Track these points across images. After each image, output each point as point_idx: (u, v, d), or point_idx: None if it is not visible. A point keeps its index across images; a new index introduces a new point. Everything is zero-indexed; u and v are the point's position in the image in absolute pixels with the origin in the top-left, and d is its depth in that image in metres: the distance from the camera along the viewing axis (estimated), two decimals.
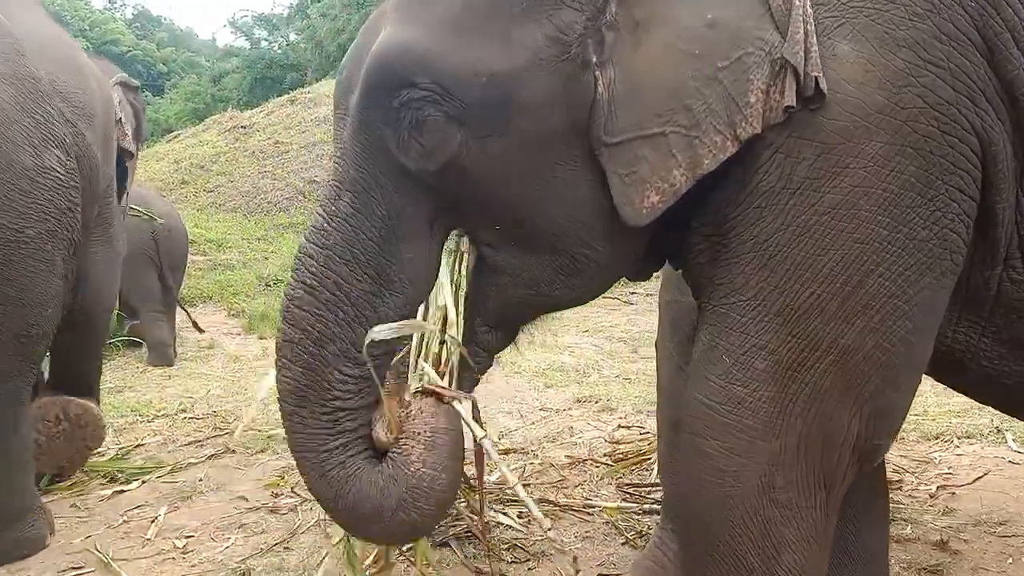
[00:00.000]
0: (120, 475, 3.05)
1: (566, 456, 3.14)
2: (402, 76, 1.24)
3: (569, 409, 3.97)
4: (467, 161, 1.27)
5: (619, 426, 3.57)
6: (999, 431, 3.27)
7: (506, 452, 3.19)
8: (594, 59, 1.23)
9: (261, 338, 6.28)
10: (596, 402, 4.01)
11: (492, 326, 1.42)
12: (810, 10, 1.15)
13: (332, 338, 1.32)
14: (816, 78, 1.14)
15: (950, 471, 2.91)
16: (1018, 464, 2.99)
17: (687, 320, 1.90)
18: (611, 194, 1.24)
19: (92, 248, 2.79)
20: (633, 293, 7.21)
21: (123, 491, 2.91)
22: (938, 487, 2.77)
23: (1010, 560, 2.27)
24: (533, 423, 3.77)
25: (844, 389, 1.23)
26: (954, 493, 2.72)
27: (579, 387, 4.40)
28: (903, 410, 1.31)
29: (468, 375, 1.45)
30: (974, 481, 2.78)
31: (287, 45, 28.55)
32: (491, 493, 2.64)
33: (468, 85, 1.23)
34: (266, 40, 30.04)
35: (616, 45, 1.23)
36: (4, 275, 2.22)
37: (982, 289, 1.28)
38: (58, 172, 2.34)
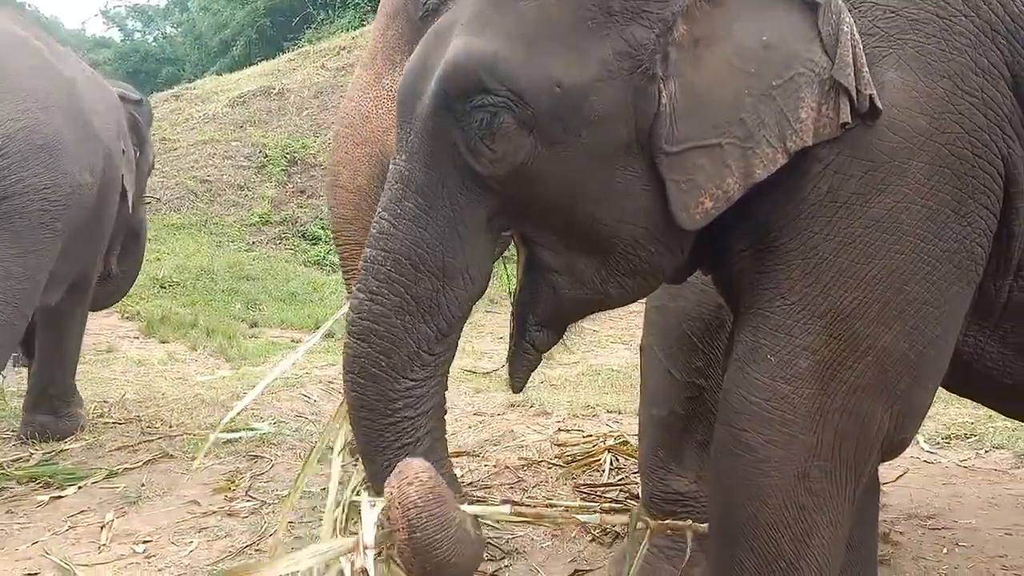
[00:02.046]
0: (52, 481, 2.89)
1: (519, 458, 3.23)
2: (478, 82, 1.30)
3: (504, 414, 4.06)
4: (534, 167, 1.34)
5: (559, 429, 3.69)
6: None
7: (456, 455, 3.23)
8: (659, 73, 1.32)
9: (163, 341, 6.04)
10: (530, 406, 4.11)
11: (545, 325, 1.48)
12: (858, 37, 1.29)
13: (399, 344, 1.37)
14: (871, 96, 1.28)
15: (878, 472, 3.18)
16: (932, 463, 3.32)
17: (676, 326, 2.05)
18: (667, 200, 1.34)
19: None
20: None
21: (60, 497, 2.77)
22: None
23: (944, 550, 2.52)
24: (471, 427, 3.84)
25: (879, 388, 1.34)
26: (882, 490, 2.97)
27: (507, 393, 4.47)
28: (926, 408, 1.46)
29: (520, 373, 1.51)
30: (897, 479, 3.04)
31: (163, 38, 27.30)
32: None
33: (541, 94, 1.30)
34: (140, 32, 28.60)
35: (679, 61, 1.33)
36: (28, 246, 2.85)
37: (994, 296, 1.42)
38: (86, 191, 3.10)
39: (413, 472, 1.30)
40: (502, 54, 1.31)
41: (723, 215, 1.36)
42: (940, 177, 1.30)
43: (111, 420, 3.76)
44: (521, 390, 1.56)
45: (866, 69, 1.28)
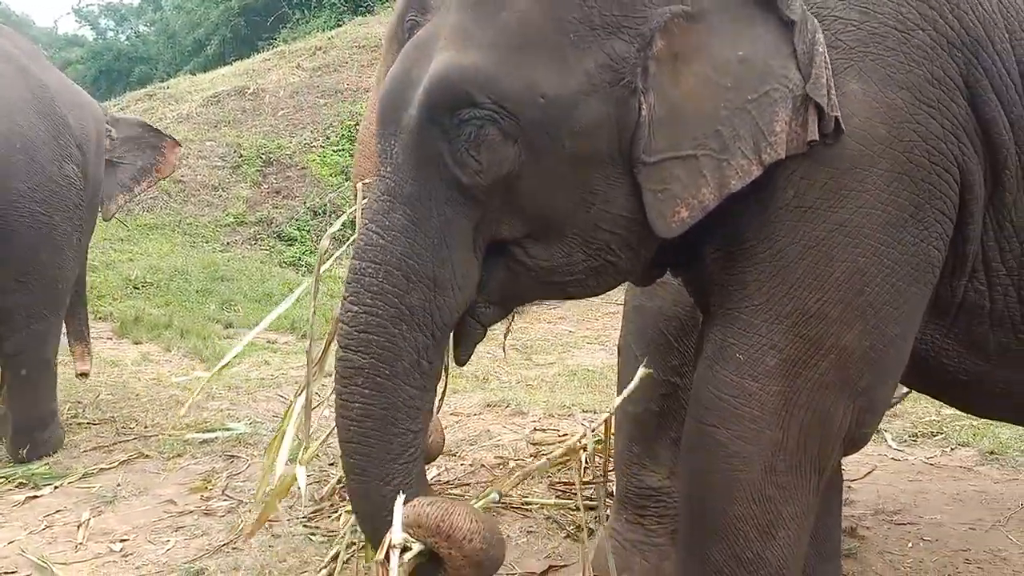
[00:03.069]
0: (28, 481, 2.88)
1: (495, 457, 3.26)
2: (464, 95, 1.33)
3: (480, 414, 4.09)
4: (518, 176, 1.37)
5: (535, 429, 3.72)
6: (879, 432, 3.70)
7: None
8: (640, 86, 1.36)
9: (136, 342, 5.99)
10: (506, 407, 4.14)
11: (493, 303, 1.49)
12: (828, 56, 1.34)
13: (400, 354, 1.38)
14: (836, 118, 1.33)
15: (843, 467, 3.25)
16: (899, 460, 3.41)
17: (652, 325, 2.09)
18: (644, 208, 1.38)
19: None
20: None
21: (36, 496, 2.77)
22: None
23: (910, 544, 2.60)
24: (447, 427, 3.85)
25: (841, 385, 1.39)
26: (850, 486, 3.04)
27: (484, 393, 4.52)
28: (886, 404, 1.52)
29: (466, 346, 1.53)
30: (865, 476, 3.12)
31: (136, 37, 27.02)
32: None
33: (526, 106, 1.33)
34: (112, 31, 28.28)
35: (658, 75, 1.37)
36: (39, 245, 3.17)
37: (949, 297, 1.47)
38: (73, 179, 3.33)
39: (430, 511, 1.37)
40: (488, 67, 1.34)
41: (695, 225, 1.39)
42: (899, 184, 1.35)
43: (85, 421, 3.75)
44: (465, 363, 1.57)
45: (834, 90, 1.33)
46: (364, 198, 2.01)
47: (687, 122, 1.36)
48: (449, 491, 2.87)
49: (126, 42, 26.87)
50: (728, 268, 1.44)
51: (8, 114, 3.09)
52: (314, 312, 1.93)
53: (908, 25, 1.37)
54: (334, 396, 1.47)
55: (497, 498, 1.68)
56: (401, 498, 1.41)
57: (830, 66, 1.34)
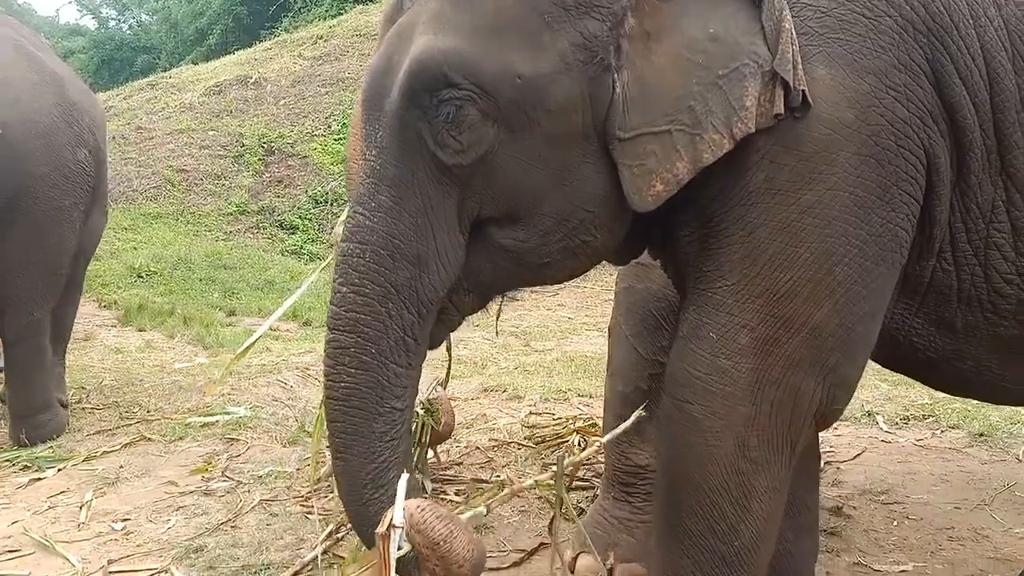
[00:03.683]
0: (32, 464, 2.95)
1: (489, 440, 3.31)
2: (443, 77, 1.37)
3: (477, 398, 4.14)
4: (497, 155, 1.41)
5: (530, 413, 3.78)
6: (870, 414, 3.76)
7: None
8: (613, 64, 1.40)
9: (140, 330, 6.05)
10: (503, 391, 4.19)
11: (472, 291, 1.54)
12: (795, 34, 1.38)
13: (386, 331, 1.42)
14: (803, 91, 1.37)
15: (832, 449, 3.31)
16: (890, 442, 3.45)
17: (642, 305, 2.14)
18: (620, 185, 1.42)
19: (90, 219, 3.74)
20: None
21: (39, 479, 2.83)
22: (825, 463, 3.12)
23: (895, 523, 2.65)
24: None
25: (812, 362, 1.44)
26: (839, 468, 3.10)
27: (482, 378, 4.57)
28: (856, 381, 1.56)
29: (440, 331, 1.56)
30: (855, 457, 3.18)
31: (138, 26, 27.02)
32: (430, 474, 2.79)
33: (503, 86, 1.38)
34: (114, 20, 28.28)
35: (631, 52, 1.41)
36: (49, 230, 3.26)
37: (918, 277, 1.51)
38: (85, 164, 3.41)
39: (413, 504, 1.41)
40: (465, 49, 1.38)
41: (671, 201, 1.44)
42: (866, 166, 1.39)
43: (89, 406, 3.81)
44: (438, 347, 1.60)
45: (800, 65, 1.37)
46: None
47: (660, 98, 1.40)
48: (443, 472, 2.92)
49: (128, 31, 26.88)
50: (702, 250, 1.48)
51: (25, 100, 3.18)
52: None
53: (875, 12, 1.41)
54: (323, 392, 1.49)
55: (485, 513, 1.70)
56: (405, 479, 1.44)
57: (796, 44, 1.37)
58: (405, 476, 1.45)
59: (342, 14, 16.43)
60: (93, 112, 3.66)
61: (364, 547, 1.53)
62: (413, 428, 1.59)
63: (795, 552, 1.81)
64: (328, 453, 2.88)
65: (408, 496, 1.45)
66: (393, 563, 1.37)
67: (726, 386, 1.44)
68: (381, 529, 1.40)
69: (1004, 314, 1.52)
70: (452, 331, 1.61)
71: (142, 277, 7.54)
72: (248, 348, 2.11)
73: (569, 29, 1.39)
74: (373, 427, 1.44)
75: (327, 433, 1.50)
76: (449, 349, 2.04)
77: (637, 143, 1.41)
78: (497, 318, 2.28)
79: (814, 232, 1.40)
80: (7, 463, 3.00)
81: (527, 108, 1.39)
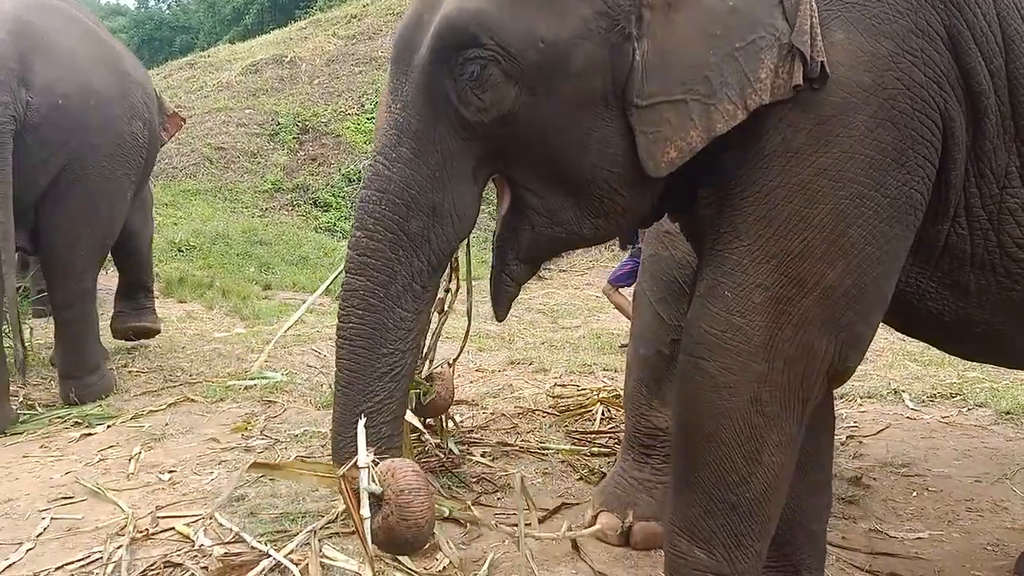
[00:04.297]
0: (82, 421, 3.11)
1: (514, 407, 3.41)
2: (470, 37, 1.43)
3: (504, 370, 4.24)
4: (518, 115, 1.47)
5: (555, 384, 3.87)
6: (896, 392, 3.79)
7: (457, 403, 3.42)
8: (633, 33, 1.45)
9: (181, 301, 6.24)
10: (529, 364, 4.29)
11: (522, 260, 1.61)
12: (815, 5, 1.42)
13: (394, 276, 1.50)
14: (821, 62, 1.40)
15: (856, 425, 3.35)
16: (915, 419, 3.47)
17: (667, 272, 2.21)
18: (637, 149, 1.48)
19: (142, 191, 4.04)
20: (547, 269, 7.55)
21: (90, 434, 2.99)
22: (847, 437, 3.17)
23: (914, 494, 2.69)
24: (472, 382, 4.02)
25: (824, 321, 1.46)
26: (861, 442, 3.14)
27: (509, 351, 4.67)
28: (869, 340, 1.59)
29: (501, 303, 1.65)
30: (878, 432, 3.21)
31: (177, 6, 27.39)
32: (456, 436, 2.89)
33: (526, 48, 1.43)
34: (154, 0, 28.68)
35: (652, 22, 1.46)
36: (99, 198, 3.39)
37: (933, 241, 1.53)
38: (138, 136, 3.56)
39: (403, 464, 1.44)
40: (492, 11, 1.44)
41: (688, 166, 1.49)
42: (882, 129, 1.42)
43: (135, 370, 3.99)
44: (504, 318, 1.69)
45: (820, 37, 1.41)
46: None
47: (678, 68, 1.45)
48: (470, 436, 3.02)
49: (167, 12, 27.29)
50: (720, 211, 1.53)
51: (84, 71, 3.30)
52: None
53: None
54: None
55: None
56: (363, 421, 1.46)
57: (816, 16, 1.41)
58: (363, 420, 1.47)
59: None
60: (147, 85, 3.80)
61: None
62: None
63: (807, 508, 1.86)
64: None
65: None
66: (365, 498, 1.39)
67: (740, 343, 1.49)
68: (353, 465, 1.41)
69: (1016, 278, 1.56)
70: (512, 300, 1.68)
71: (182, 251, 7.74)
72: (293, 323, 2.25)
73: None
74: (375, 366, 1.51)
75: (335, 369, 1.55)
76: (469, 319, 2.11)
77: (653, 111, 1.46)
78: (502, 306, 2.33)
79: (829, 194, 1.43)
80: (59, 420, 3.16)
81: (549, 72, 1.45)
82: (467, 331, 2.21)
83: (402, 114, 1.51)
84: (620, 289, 4.85)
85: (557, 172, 1.52)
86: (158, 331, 4.48)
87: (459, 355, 2.48)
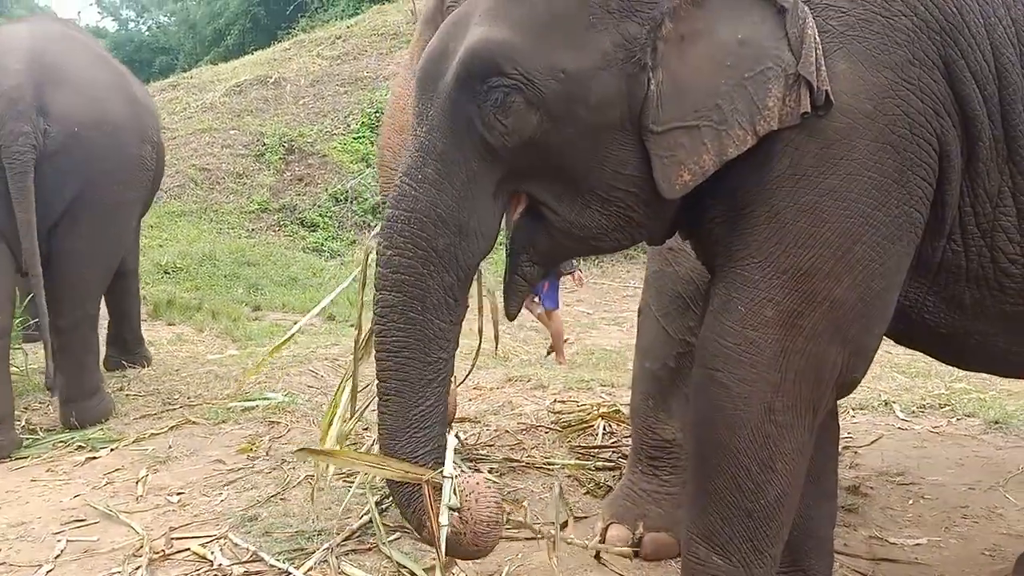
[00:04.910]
0: (85, 445, 3.11)
1: (517, 424, 3.45)
2: (495, 66, 1.51)
3: (503, 387, 4.27)
4: (540, 139, 1.54)
5: (555, 400, 3.90)
6: (887, 403, 3.86)
7: (460, 420, 3.45)
8: (649, 63, 1.54)
9: (170, 324, 6.22)
10: (528, 381, 4.32)
11: (536, 263, 1.68)
12: (819, 38, 1.50)
13: (429, 291, 1.57)
14: (826, 91, 1.49)
15: (850, 436, 3.41)
16: (906, 430, 3.55)
17: (671, 288, 2.27)
18: (653, 172, 1.55)
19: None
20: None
21: (95, 457, 2.99)
22: (843, 447, 3.22)
23: (911, 501, 2.76)
24: (471, 400, 4.04)
25: (833, 333, 1.54)
26: (857, 452, 3.20)
27: (505, 368, 4.70)
28: (874, 351, 1.67)
29: (512, 302, 1.72)
30: (872, 443, 3.28)
31: (157, 27, 27.35)
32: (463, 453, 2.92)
33: (549, 78, 1.51)
34: (134, 21, 28.64)
35: (666, 53, 1.54)
36: (110, 223, 3.44)
37: (930, 257, 1.61)
38: (147, 160, 3.60)
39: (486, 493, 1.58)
40: (516, 43, 1.52)
41: (700, 187, 1.57)
42: (883, 153, 1.51)
43: (132, 394, 3.98)
44: (515, 317, 1.76)
45: (824, 67, 1.49)
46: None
47: (691, 96, 1.54)
48: (476, 452, 3.06)
49: (147, 33, 27.23)
50: (731, 230, 1.61)
51: (98, 99, 3.36)
52: (362, 302, 2.07)
53: (892, 11, 1.53)
54: (374, 344, 1.63)
55: None
56: (453, 441, 1.60)
57: (820, 47, 1.50)
58: (453, 435, 1.62)
59: (359, 14, 16.61)
60: (153, 110, 3.87)
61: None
62: None
63: (815, 516, 1.92)
64: (367, 435, 3.04)
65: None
66: (445, 513, 1.53)
67: (754, 355, 1.56)
68: (441, 478, 1.56)
69: (1009, 292, 1.64)
70: (523, 299, 1.75)
71: (169, 273, 7.73)
72: (287, 340, 2.32)
73: (611, 30, 1.53)
74: (423, 374, 1.58)
75: (377, 381, 1.62)
76: (481, 337, 2.17)
77: (669, 136, 1.54)
78: (495, 325, 2.39)
79: (835, 213, 1.51)
80: (62, 444, 3.16)
81: (569, 100, 1.52)
82: (477, 350, 2.26)
83: (428, 137, 1.58)
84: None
85: (576, 191, 1.59)
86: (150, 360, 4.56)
87: (468, 374, 2.52)
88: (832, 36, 1.52)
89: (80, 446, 3.12)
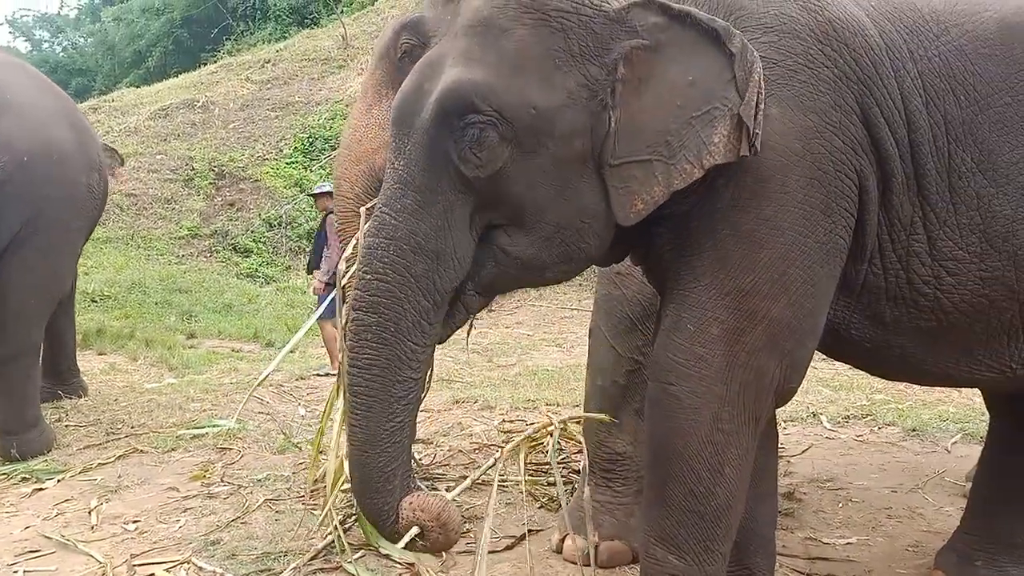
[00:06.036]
0: (29, 476, 3.05)
1: (469, 443, 3.53)
2: (471, 104, 1.62)
3: (450, 409, 4.35)
4: (510, 171, 1.66)
5: (503, 420, 4.00)
6: (815, 415, 4.12)
7: (414, 442, 3.51)
8: (609, 102, 1.68)
9: (100, 353, 6.08)
10: (475, 402, 4.41)
11: (479, 292, 1.78)
12: (763, 83, 1.66)
13: (404, 314, 1.66)
14: (757, 135, 1.64)
15: (783, 446, 3.58)
16: (833, 439, 3.80)
17: (619, 309, 2.41)
18: (608, 201, 1.69)
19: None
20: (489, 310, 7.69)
21: (41, 489, 2.93)
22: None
23: (841, 505, 2.98)
24: (420, 421, 4.08)
25: (771, 348, 1.70)
26: (789, 461, 3.41)
27: (451, 391, 4.77)
28: (807, 364, 1.84)
29: (449, 327, 1.78)
30: (803, 452, 3.50)
31: (73, 48, 26.55)
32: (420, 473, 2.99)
33: (521, 114, 1.63)
34: (48, 42, 27.73)
35: (624, 93, 1.68)
36: (57, 251, 3.39)
37: (854, 279, 1.78)
38: (94, 188, 3.57)
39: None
40: (491, 82, 1.64)
41: (650, 218, 1.71)
42: (811, 187, 1.69)
43: (72, 424, 3.90)
44: (444, 341, 1.82)
45: (762, 112, 1.65)
46: (367, 222, 2.28)
47: (644, 133, 1.68)
48: (432, 471, 3.13)
49: (62, 54, 26.38)
50: (679, 256, 1.76)
51: (45, 127, 3.32)
52: (344, 326, 2.11)
53: (815, 63, 1.72)
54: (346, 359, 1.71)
55: None
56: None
57: (763, 91, 1.66)
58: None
59: (287, 38, 16.53)
60: (96, 137, 3.82)
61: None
62: None
63: (757, 516, 2.08)
64: (322, 458, 3.07)
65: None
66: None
67: (702, 370, 1.71)
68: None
69: (924, 309, 1.83)
70: (459, 328, 1.83)
71: (96, 301, 7.53)
72: (265, 378, 2.42)
73: (576, 72, 1.67)
74: (392, 391, 1.67)
75: (347, 397, 1.71)
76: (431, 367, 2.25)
77: (624, 169, 1.69)
78: (468, 335, 2.50)
79: (770, 239, 1.68)
80: (3, 476, 3.08)
81: (538, 133, 1.65)
82: (430, 374, 2.34)
83: (406, 170, 1.68)
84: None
85: (535, 218, 1.71)
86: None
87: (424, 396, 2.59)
88: (765, 84, 1.69)
89: (24, 477, 3.05)
